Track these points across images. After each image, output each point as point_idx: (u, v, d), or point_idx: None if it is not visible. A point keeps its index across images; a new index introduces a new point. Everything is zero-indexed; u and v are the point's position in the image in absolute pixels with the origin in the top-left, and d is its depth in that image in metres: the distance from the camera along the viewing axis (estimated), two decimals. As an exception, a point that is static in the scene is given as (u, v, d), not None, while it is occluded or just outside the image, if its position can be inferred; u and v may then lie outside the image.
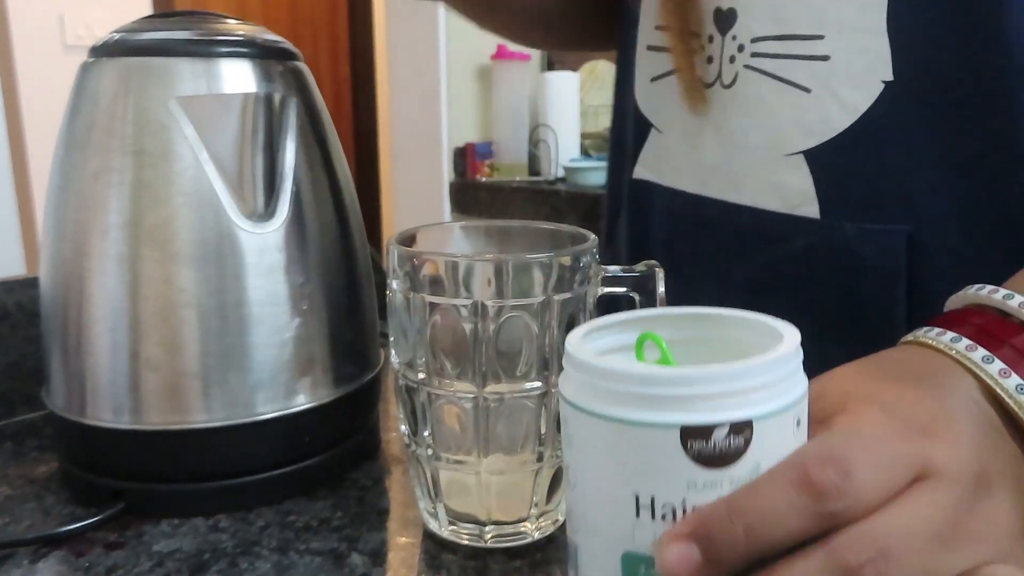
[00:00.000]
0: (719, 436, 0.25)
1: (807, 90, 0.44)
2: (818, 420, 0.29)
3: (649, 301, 0.40)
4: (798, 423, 0.27)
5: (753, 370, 0.26)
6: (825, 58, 0.44)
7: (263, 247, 0.43)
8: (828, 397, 0.30)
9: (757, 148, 0.47)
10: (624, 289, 0.40)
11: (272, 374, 0.43)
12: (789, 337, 0.28)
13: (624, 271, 0.40)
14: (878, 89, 0.42)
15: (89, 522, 0.41)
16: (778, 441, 0.26)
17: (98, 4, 2.57)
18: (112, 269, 0.42)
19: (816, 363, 0.35)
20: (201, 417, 0.42)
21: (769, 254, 0.48)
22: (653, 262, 0.39)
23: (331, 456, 0.47)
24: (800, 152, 0.45)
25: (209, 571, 0.38)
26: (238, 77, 0.44)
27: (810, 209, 0.45)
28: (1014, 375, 0.30)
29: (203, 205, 0.42)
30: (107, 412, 0.42)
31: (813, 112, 0.44)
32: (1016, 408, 0.30)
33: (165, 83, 0.42)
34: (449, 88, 2.13)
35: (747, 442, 0.25)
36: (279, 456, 0.45)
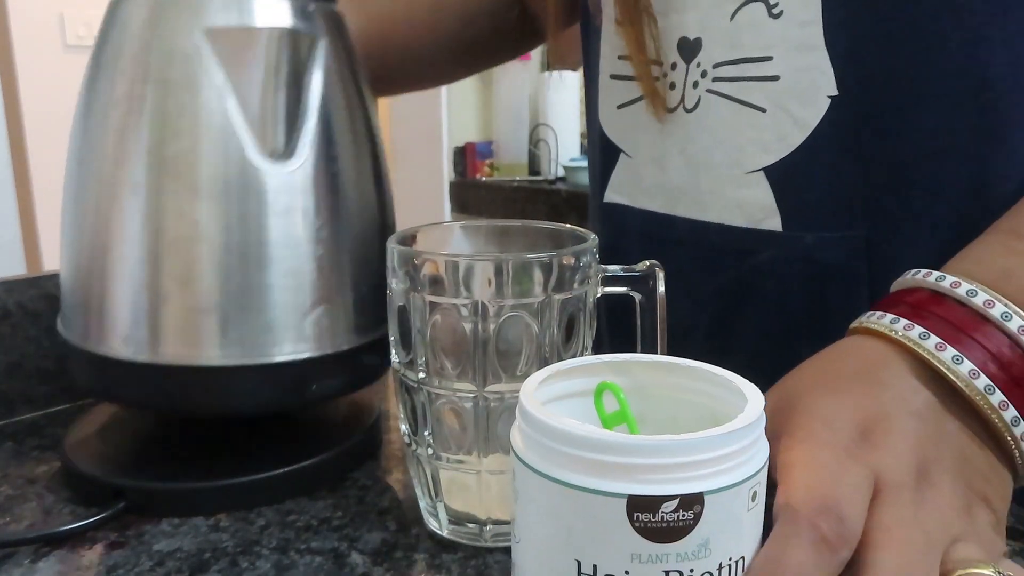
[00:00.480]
0: (667, 509, 0.24)
1: (763, 110, 0.46)
2: (776, 436, 0.31)
3: (649, 300, 0.40)
4: (754, 496, 0.26)
5: (708, 442, 0.24)
6: (775, 78, 0.45)
7: (284, 186, 0.42)
8: (779, 415, 0.32)
9: (720, 167, 0.49)
10: (624, 289, 0.40)
11: (285, 317, 0.43)
12: (752, 405, 0.26)
13: (624, 271, 0.40)
14: (825, 104, 0.44)
15: (89, 521, 0.41)
16: (730, 516, 0.25)
17: (98, 3, 2.56)
18: (131, 197, 0.41)
19: (789, 367, 0.37)
20: (215, 354, 0.42)
21: (737, 268, 0.49)
22: (654, 261, 0.39)
23: (332, 455, 0.47)
24: (760, 169, 0.47)
25: (209, 571, 0.38)
26: (271, 11, 0.43)
27: (773, 222, 0.47)
28: (949, 347, 0.33)
29: (226, 139, 0.41)
30: (123, 344, 0.42)
31: (769, 131, 0.46)
32: (954, 378, 0.32)
33: (194, 13, 0.42)
34: (449, 88, 2.13)
35: (697, 517, 0.24)
36: (287, 400, 0.44)
